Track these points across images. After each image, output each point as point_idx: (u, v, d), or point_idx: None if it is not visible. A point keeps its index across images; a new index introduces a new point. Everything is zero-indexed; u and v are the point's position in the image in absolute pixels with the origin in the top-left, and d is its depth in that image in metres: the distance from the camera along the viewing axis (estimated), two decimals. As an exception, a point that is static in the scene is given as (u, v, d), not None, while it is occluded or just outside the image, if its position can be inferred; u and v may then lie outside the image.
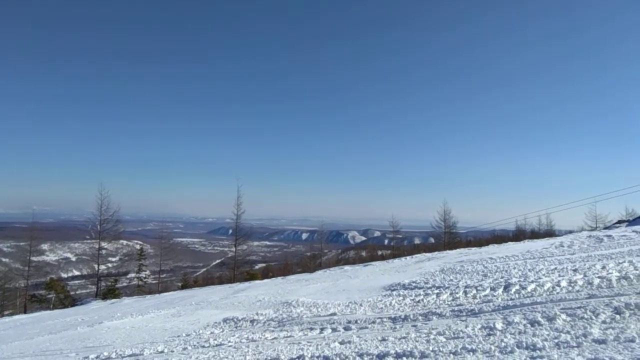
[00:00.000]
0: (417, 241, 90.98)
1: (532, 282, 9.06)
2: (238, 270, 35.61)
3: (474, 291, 9.16)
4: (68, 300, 31.01)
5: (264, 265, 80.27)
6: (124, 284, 36.76)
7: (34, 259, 33.86)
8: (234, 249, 35.89)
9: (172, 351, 7.47)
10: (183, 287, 34.37)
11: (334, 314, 8.99)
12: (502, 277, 10.49)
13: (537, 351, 4.75)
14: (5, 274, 34.66)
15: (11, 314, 29.01)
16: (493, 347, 5.05)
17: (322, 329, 7.62)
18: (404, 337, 6.17)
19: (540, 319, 6.13)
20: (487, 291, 8.99)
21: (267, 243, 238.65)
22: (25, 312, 28.96)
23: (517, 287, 8.81)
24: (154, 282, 37.30)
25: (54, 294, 31.46)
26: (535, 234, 49.40)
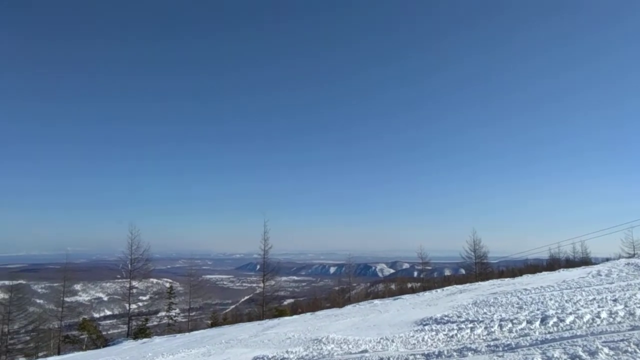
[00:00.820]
0: (447, 272, 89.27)
1: (571, 313, 8.75)
2: (267, 307, 35.39)
3: (510, 325, 8.88)
4: (100, 341, 31.25)
5: (292, 300, 79.79)
6: (155, 323, 36.93)
7: (67, 299, 34.49)
8: (262, 284, 35.81)
9: (204, 392, 7.42)
10: (212, 325, 34.28)
11: (366, 350, 8.82)
12: (538, 309, 10.16)
13: (580, 388, 4.55)
14: (39, 315, 35.37)
15: (45, 356, 29.39)
16: (533, 385, 4.86)
17: (354, 367, 7.48)
18: (439, 375, 6.00)
19: (581, 353, 5.89)
20: (524, 324, 8.71)
21: (295, 278, 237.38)
22: (59, 354, 29.29)
23: (555, 319, 8.51)
24: (183, 320, 37.33)
25: (87, 335, 31.77)
26: (570, 263, 47.95)
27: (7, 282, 36.64)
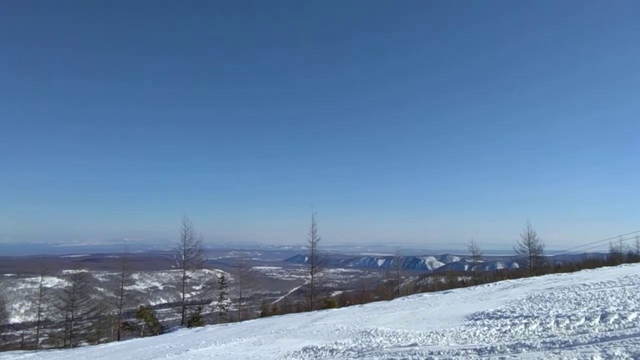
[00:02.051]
0: (499, 266, 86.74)
1: (633, 310, 8.30)
2: (315, 298, 35.70)
3: (567, 321, 8.53)
4: (157, 328, 32.61)
5: (340, 292, 79.99)
6: (207, 312, 38.15)
7: (125, 288, 36.17)
8: (310, 276, 36.14)
9: (255, 380, 7.60)
10: (262, 315, 35.00)
11: (415, 344, 8.75)
12: (598, 306, 9.70)
13: (644, 389, 4.32)
14: (100, 303, 37.25)
15: (106, 341, 31.01)
16: (592, 384, 4.66)
17: (403, 360, 7.43)
18: (492, 371, 5.86)
19: (645, 352, 5.59)
20: (582, 321, 8.34)
21: (343, 270, 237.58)
22: (119, 339, 30.82)
23: (616, 316, 8.10)
24: (234, 309, 38.33)
25: (144, 322, 33.21)
26: (633, 257, 45.42)
27: (70, 271, 38.85)
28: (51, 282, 49.11)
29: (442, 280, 67.90)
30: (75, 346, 30.82)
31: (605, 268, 24.70)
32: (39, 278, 37.51)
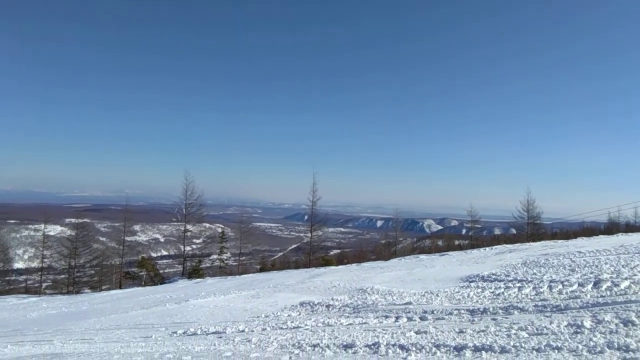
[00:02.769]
0: (497, 232, 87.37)
1: (626, 279, 8.42)
2: (313, 256, 36.27)
3: (560, 286, 8.67)
4: (158, 278, 33.32)
5: (338, 251, 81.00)
6: (207, 265, 38.88)
7: (127, 238, 36.77)
8: (309, 234, 36.60)
9: (252, 331, 7.81)
10: (261, 270, 35.65)
11: (410, 303, 8.93)
12: (591, 273, 9.83)
13: (630, 352, 4.43)
14: (103, 252, 37.95)
15: (108, 289, 31.75)
16: (580, 346, 4.77)
17: (397, 318, 7.60)
18: (483, 331, 6.00)
19: (634, 318, 5.69)
20: (575, 287, 8.48)
21: (342, 230, 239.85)
22: (120, 288, 31.53)
23: (609, 283, 8.22)
24: (234, 264, 39.01)
25: (145, 272, 33.91)
26: (630, 227, 45.69)
27: (73, 220, 39.34)
28: (54, 230, 49.80)
29: (440, 243, 68.45)
30: (78, 292, 31.61)
31: (601, 237, 24.93)
32: (42, 225, 38.08)
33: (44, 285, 37.02)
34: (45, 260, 35.92)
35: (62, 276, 35.69)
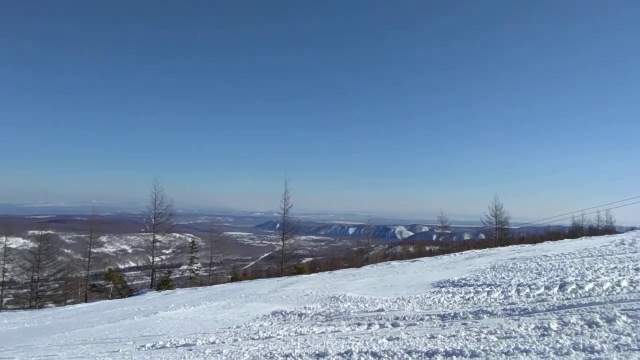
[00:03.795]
0: (467, 237, 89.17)
1: (590, 281, 8.67)
2: (286, 264, 36.07)
3: (528, 290, 8.86)
4: (125, 291, 32.52)
5: (311, 259, 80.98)
6: (177, 276, 38.15)
7: (93, 250, 35.74)
8: (282, 243, 36.38)
9: (224, 342, 7.68)
10: (233, 280, 35.23)
11: (382, 310, 8.96)
12: (557, 276, 10.09)
13: (596, 354, 4.55)
14: (68, 264, 36.82)
15: (74, 303, 30.77)
16: (548, 349, 4.88)
17: (370, 325, 7.62)
18: (454, 336, 6.07)
19: (598, 320, 5.87)
20: (542, 290, 8.68)
21: (315, 238, 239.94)
22: (86, 301, 30.63)
23: (574, 286, 8.45)
24: (205, 274, 38.45)
25: (113, 285, 33.07)
26: (593, 231, 47.27)
27: (36, 232, 38.00)
28: (16, 242, 48.01)
29: (411, 249, 69.24)
30: (41, 307, 30.53)
31: (566, 241, 25.58)
32: (4, 238, 36.65)
33: (5, 300, 35.59)
34: (7, 274, 34.58)
35: (25, 290, 34.37)
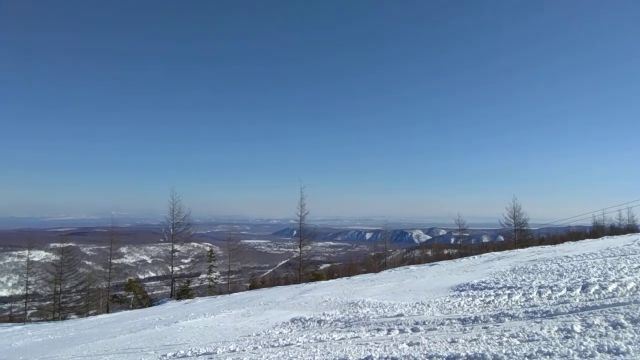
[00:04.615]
0: (485, 239, 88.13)
1: (614, 281, 8.51)
2: (303, 271, 36.03)
3: (549, 291, 8.73)
4: (146, 301, 32.79)
5: (328, 265, 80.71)
6: (196, 285, 38.37)
7: (114, 261, 36.17)
8: (298, 249, 36.36)
9: (244, 350, 7.70)
10: (251, 288, 35.32)
11: (401, 314, 8.90)
12: (579, 277, 9.92)
13: (621, 355, 4.47)
14: (89, 276, 37.31)
15: (95, 314, 31.14)
16: (571, 351, 4.80)
17: (389, 330, 7.57)
18: (475, 340, 6.00)
19: (623, 320, 5.76)
20: (564, 291, 8.54)
21: (331, 243, 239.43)
22: (107, 312, 30.97)
23: (597, 287, 8.30)
24: (223, 282, 38.59)
25: (133, 295, 33.39)
26: (615, 230, 46.42)
27: (58, 245, 38.61)
28: (38, 255, 48.90)
29: (429, 253, 68.76)
30: (64, 319, 30.94)
31: (587, 240, 25.19)
32: (26, 251, 37.34)
33: (29, 312, 36.24)
34: (30, 287, 35.23)
35: (48, 302, 34.92)
